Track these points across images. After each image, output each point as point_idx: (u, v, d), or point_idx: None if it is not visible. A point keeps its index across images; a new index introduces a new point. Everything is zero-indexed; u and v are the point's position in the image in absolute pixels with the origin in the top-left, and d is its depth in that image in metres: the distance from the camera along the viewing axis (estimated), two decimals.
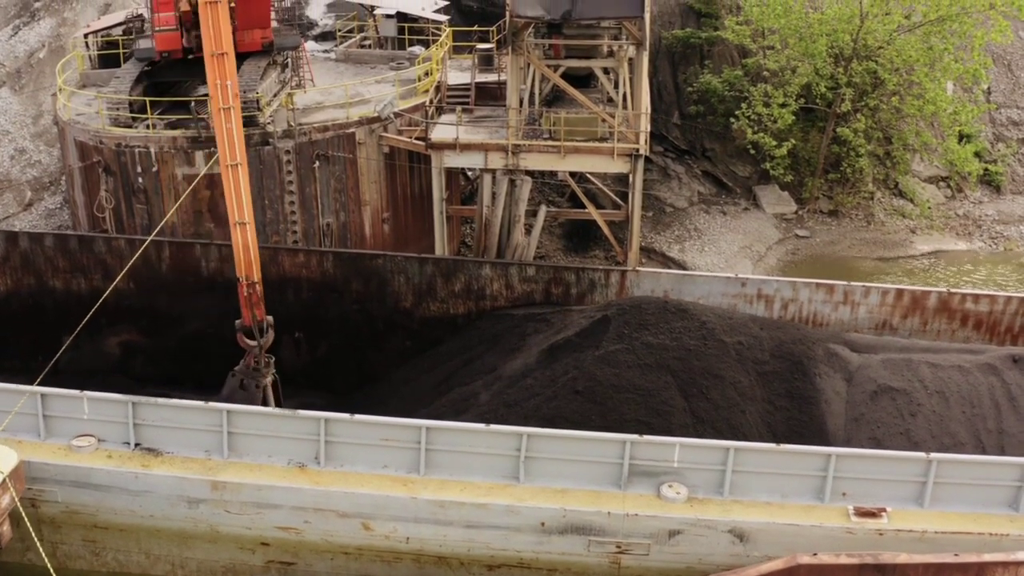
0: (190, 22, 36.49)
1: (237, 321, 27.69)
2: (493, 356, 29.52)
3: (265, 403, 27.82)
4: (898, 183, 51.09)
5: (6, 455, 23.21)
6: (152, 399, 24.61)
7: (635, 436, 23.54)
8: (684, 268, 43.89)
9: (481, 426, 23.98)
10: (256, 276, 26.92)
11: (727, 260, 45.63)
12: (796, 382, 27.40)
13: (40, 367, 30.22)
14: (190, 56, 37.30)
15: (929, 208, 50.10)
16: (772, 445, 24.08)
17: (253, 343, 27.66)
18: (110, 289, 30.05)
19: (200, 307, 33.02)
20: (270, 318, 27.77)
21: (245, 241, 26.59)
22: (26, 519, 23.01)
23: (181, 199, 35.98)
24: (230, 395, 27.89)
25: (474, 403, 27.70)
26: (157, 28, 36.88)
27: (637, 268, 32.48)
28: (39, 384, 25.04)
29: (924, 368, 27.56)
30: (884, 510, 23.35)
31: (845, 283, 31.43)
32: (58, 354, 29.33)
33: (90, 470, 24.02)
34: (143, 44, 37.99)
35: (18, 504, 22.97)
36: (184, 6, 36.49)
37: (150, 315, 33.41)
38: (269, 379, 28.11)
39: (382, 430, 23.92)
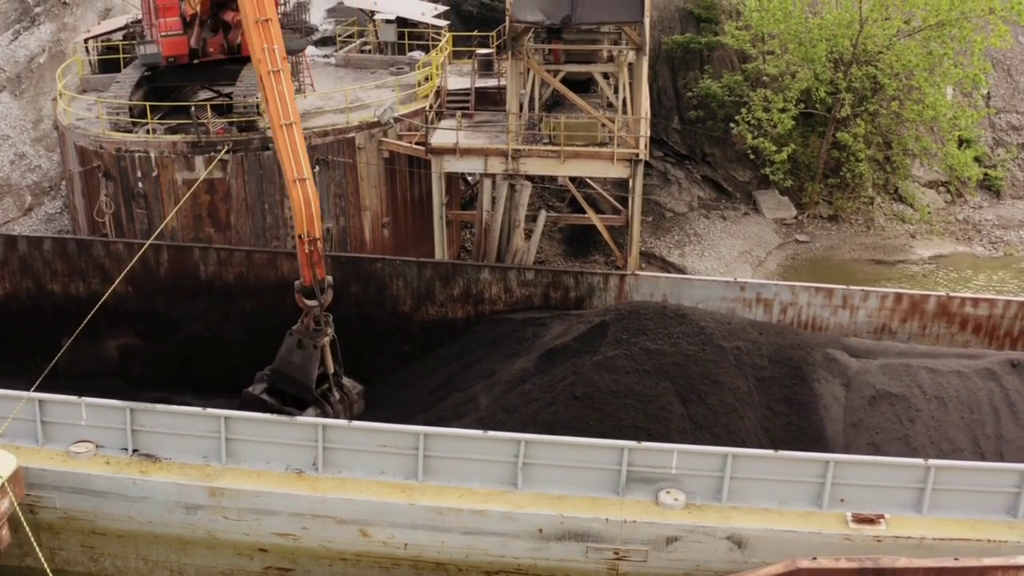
0: (199, 25, 36.59)
1: (297, 282, 27.52)
2: (492, 360, 29.53)
3: (323, 363, 27.83)
4: (898, 188, 51.08)
5: (5, 459, 23.27)
6: (150, 405, 24.65)
7: (633, 443, 23.56)
8: (684, 273, 43.87)
9: (479, 433, 23.98)
10: (317, 232, 26.88)
11: (727, 265, 45.63)
12: (795, 387, 27.40)
13: (39, 370, 30.28)
14: (195, 61, 37.39)
15: (929, 213, 50.09)
16: (770, 452, 24.12)
17: (313, 303, 27.39)
18: (108, 292, 30.25)
19: (198, 311, 33.11)
20: (329, 277, 27.72)
21: (306, 196, 26.71)
22: (25, 524, 23.04)
23: (181, 203, 36.06)
24: (288, 354, 27.84)
25: (473, 408, 27.73)
26: (164, 33, 36.88)
27: (636, 272, 32.50)
28: (37, 388, 25.11)
29: (923, 373, 27.55)
30: (882, 516, 23.37)
31: (844, 287, 31.41)
32: (56, 357, 29.33)
33: (88, 476, 24.06)
34: (148, 50, 37.90)
35: (17, 509, 23.01)
36: (189, 9, 36.55)
37: (148, 319, 33.47)
38: (327, 339, 27.93)
39: (380, 436, 23.94)
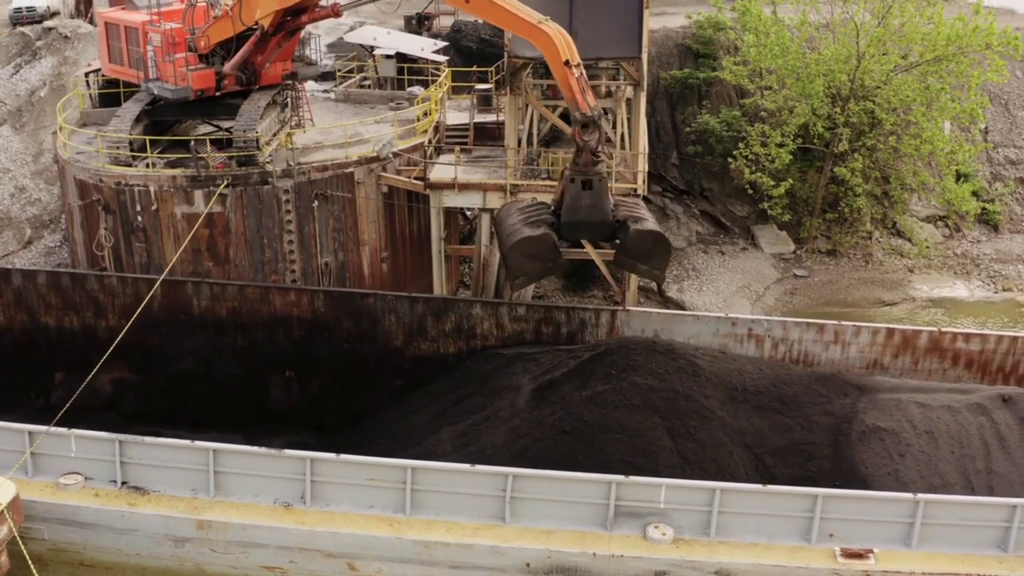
0: (221, 53, 37.07)
1: (575, 113, 27.35)
2: (482, 396, 29.54)
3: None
4: (896, 222, 51.16)
5: (5, 487, 23.28)
6: (139, 437, 24.72)
7: (621, 477, 23.55)
8: (683, 308, 43.93)
9: (466, 466, 24.00)
10: (576, 58, 27.30)
11: (725, 300, 45.67)
12: (785, 423, 27.36)
13: (32, 403, 30.47)
14: (217, 93, 37.78)
15: (927, 247, 50.15)
16: (758, 486, 24.09)
17: (590, 136, 27.10)
18: (124, 329, 30.28)
19: (191, 345, 33.18)
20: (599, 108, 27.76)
21: (558, 29, 27.63)
22: (25, 551, 23.03)
23: (185, 241, 36.26)
24: (575, 201, 27.24)
25: (462, 444, 27.72)
26: (191, 68, 37.18)
27: (628, 308, 32.49)
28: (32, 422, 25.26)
29: (913, 408, 27.52)
30: (871, 551, 23.32)
31: (836, 322, 31.41)
32: (65, 393, 29.50)
33: (77, 508, 24.12)
34: (167, 87, 38.01)
35: (16, 536, 23.01)
36: (204, 42, 36.84)
37: (142, 353, 33.53)
38: (606, 168, 28.03)
39: (368, 470, 23.97)
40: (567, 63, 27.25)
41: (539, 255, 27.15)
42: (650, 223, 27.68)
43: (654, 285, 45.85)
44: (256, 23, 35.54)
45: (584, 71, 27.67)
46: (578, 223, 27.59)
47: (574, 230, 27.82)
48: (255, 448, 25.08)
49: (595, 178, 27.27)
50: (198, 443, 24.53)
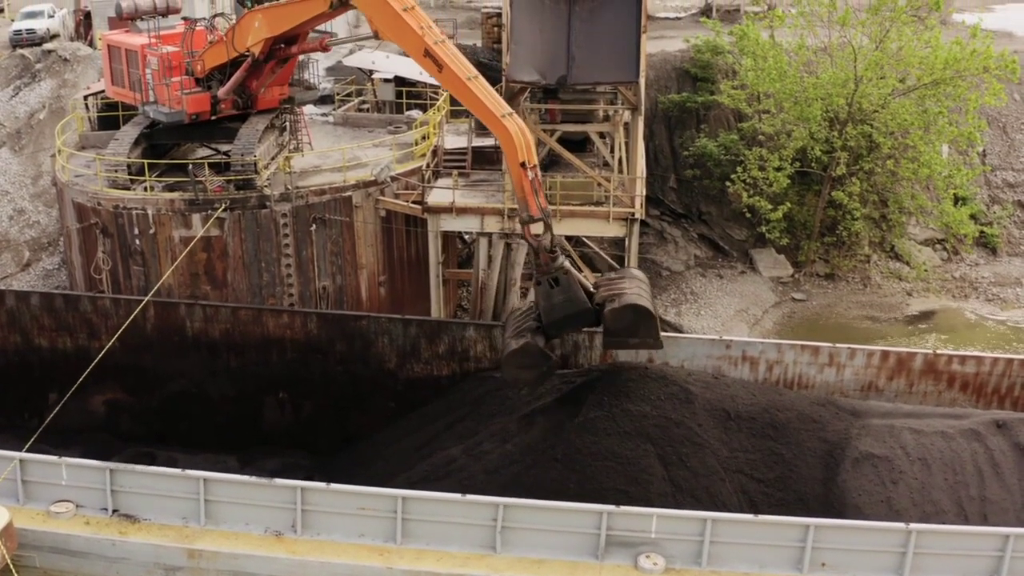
0: (218, 77, 37.24)
1: (524, 214, 27.69)
2: (475, 420, 29.51)
3: (583, 287, 28.13)
4: (894, 246, 51.22)
5: None
6: (130, 466, 24.69)
7: (612, 507, 23.41)
8: (680, 331, 43.93)
9: (457, 496, 23.89)
10: (533, 160, 27.54)
11: (723, 323, 45.70)
12: (778, 449, 27.27)
13: (26, 424, 30.44)
14: (213, 117, 37.91)
15: (925, 271, 50.19)
16: (750, 516, 23.98)
17: (542, 232, 27.60)
18: (108, 346, 30.32)
19: (185, 367, 33.26)
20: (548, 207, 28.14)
21: (520, 126, 27.72)
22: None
23: (177, 261, 36.36)
24: (548, 301, 27.66)
25: (455, 469, 27.68)
26: (185, 91, 37.32)
27: None
28: (31, 445, 25.25)
29: (906, 434, 27.40)
30: None
31: (830, 345, 31.24)
32: (50, 416, 29.55)
33: (68, 536, 24.02)
34: (163, 110, 38.17)
35: (10, 564, 22.99)
36: (200, 66, 37.01)
37: (135, 374, 33.62)
38: (567, 262, 28.09)
39: (358, 499, 23.85)
40: (523, 164, 27.34)
41: (530, 363, 27.51)
42: (627, 296, 27.64)
43: None
44: (248, 50, 35.73)
45: (539, 172, 27.81)
46: (558, 320, 27.96)
47: (557, 327, 28.16)
48: (246, 477, 25.00)
49: (559, 274, 27.74)
50: (189, 472, 24.43)
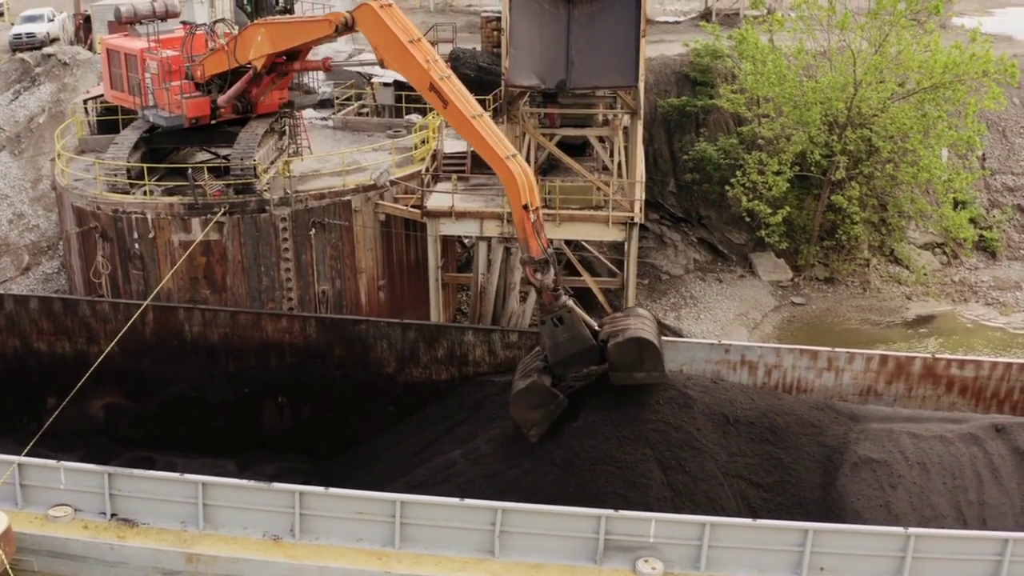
0: (218, 83, 37.24)
1: (524, 255, 27.91)
2: (474, 424, 29.52)
3: (588, 324, 28.21)
4: (894, 250, 51.22)
5: None
6: (128, 470, 24.70)
7: (610, 511, 23.45)
8: (680, 335, 43.91)
9: (456, 500, 23.91)
10: (536, 202, 27.57)
11: (723, 327, 45.69)
12: (777, 453, 27.28)
13: (25, 428, 30.44)
14: (212, 122, 37.91)
15: (925, 275, 50.18)
16: (749, 520, 24.00)
17: (545, 274, 27.65)
18: (107, 351, 30.30)
19: (183, 371, 33.28)
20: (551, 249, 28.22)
21: (523, 167, 27.68)
22: None
23: (176, 265, 36.36)
24: (553, 340, 27.79)
25: (453, 473, 27.69)
26: (185, 96, 37.35)
27: None
28: (29, 449, 25.23)
29: (905, 439, 27.42)
30: None
31: (829, 349, 31.25)
32: (49, 421, 29.56)
33: (66, 540, 24.04)
34: (162, 114, 38.17)
35: (8, 568, 23.01)
36: (200, 71, 37.02)
37: (134, 378, 33.65)
38: (570, 300, 28.20)
39: (357, 503, 23.89)
40: (526, 207, 27.40)
41: (537, 403, 27.56)
42: (630, 331, 27.74)
43: (652, 313, 45.82)
44: (249, 63, 35.80)
45: (541, 214, 27.88)
46: (564, 359, 28.03)
47: (564, 366, 28.16)
48: (244, 481, 25.02)
49: (563, 312, 27.86)
50: (187, 476, 24.47)
